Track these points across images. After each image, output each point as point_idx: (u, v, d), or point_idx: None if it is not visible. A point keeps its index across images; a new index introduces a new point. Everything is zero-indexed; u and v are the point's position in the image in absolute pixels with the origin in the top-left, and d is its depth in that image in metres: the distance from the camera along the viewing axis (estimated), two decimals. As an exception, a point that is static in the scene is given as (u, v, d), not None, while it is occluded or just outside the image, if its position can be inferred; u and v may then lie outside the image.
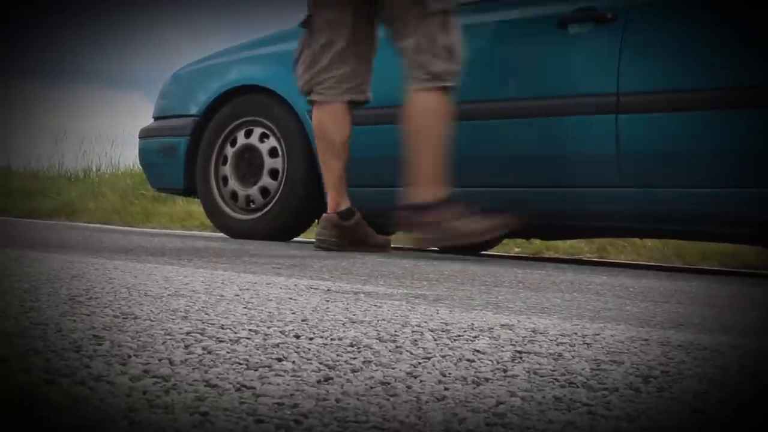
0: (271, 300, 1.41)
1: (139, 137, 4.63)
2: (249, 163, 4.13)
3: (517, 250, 5.70)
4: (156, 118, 4.56)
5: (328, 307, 1.36)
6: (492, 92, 3.53)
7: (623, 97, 3.21)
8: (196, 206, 6.55)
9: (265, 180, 4.05)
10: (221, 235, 4.23)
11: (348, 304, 1.43)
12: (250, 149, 4.12)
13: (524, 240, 5.45)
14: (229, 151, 4.17)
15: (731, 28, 3.15)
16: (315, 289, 1.67)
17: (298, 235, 4.29)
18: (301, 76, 3.36)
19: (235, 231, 4.10)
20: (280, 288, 1.64)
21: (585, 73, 3.34)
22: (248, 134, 4.12)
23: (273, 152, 4.05)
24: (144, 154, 4.60)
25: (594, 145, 3.30)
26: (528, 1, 3.60)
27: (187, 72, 4.51)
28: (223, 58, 4.37)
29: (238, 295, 1.45)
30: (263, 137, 4.08)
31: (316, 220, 4.26)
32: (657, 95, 3.18)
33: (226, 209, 4.15)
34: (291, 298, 1.46)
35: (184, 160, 4.25)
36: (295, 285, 1.73)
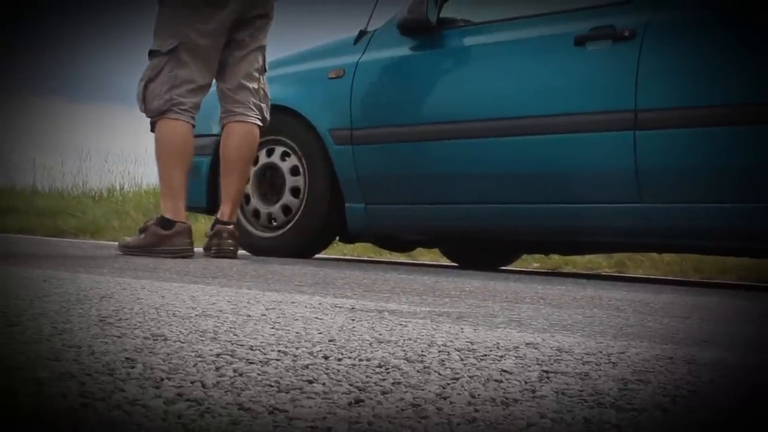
0: (297, 320, 1.43)
1: (162, 156, 4.65)
2: (270, 182, 4.16)
3: (535, 265, 5.69)
4: (178, 138, 4.58)
5: (354, 327, 1.37)
6: (511, 110, 3.54)
7: (641, 114, 3.21)
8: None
9: (287, 198, 4.08)
10: (243, 252, 4.25)
11: (373, 323, 1.44)
12: (271, 168, 4.15)
13: (543, 255, 5.44)
14: (251, 169, 4.19)
15: (748, 45, 3.15)
16: (339, 307, 1.68)
17: (319, 252, 4.31)
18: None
19: (257, 249, 4.12)
20: (305, 307, 1.65)
21: (602, 90, 3.35)
22: (270, 153, 4.15)
23: (294, 170, 4.08)
24: (166, 173, 4.62)
25: (613, 161, 3.30)
26: (546, 19, 3.61)
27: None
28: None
29: (264, 315, 1.46)
30: (284, 156, 4.11)
31: (337, 238, 4.29)
32: (675, 111, 3.18)
33: (249, 227, 4.18)
34: (317, 318, 1.47)
35: (206, 178, 4.28)
36: (320, 303, 1.74)
